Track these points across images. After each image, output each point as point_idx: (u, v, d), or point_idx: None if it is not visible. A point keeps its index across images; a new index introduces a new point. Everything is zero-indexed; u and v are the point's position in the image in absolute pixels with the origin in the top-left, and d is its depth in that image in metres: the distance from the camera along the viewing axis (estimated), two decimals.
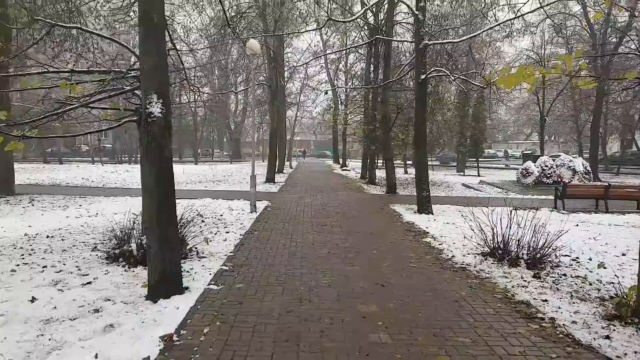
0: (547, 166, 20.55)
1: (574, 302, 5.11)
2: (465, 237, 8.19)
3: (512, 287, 5.61)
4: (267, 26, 18.92)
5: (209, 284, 5.47)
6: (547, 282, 5.84)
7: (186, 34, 19.14)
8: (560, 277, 6.15)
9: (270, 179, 20.64)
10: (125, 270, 6.14)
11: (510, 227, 6.83)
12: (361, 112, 24.07)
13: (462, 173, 32.90)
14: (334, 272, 6.12)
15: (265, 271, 6.09)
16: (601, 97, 29.19)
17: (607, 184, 13.58)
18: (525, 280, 5.87)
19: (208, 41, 19.77)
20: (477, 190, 20.12)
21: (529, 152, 25.76)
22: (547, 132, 77.78)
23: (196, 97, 11.21)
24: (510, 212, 6.88)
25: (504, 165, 46.30)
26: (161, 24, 4.99)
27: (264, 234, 8.71)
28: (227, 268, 6.19)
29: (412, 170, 33.92)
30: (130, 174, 24.14)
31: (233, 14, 17.64)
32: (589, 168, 20.83)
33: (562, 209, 12.89)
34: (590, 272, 6.45)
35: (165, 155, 5.03)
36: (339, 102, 28.65)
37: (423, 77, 11.71)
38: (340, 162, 38.47)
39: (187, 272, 5.99)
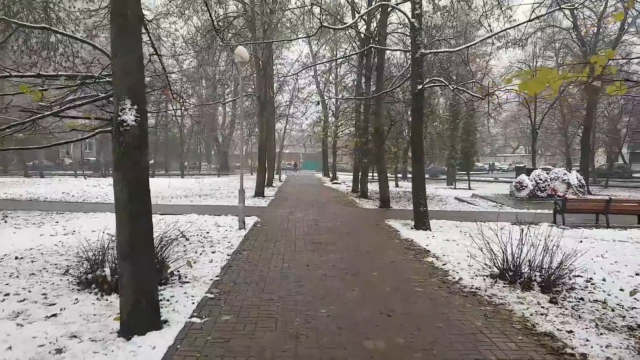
0: (541, 179, 20.23)
1: (601, 333, 4.58)
2: (470, 256, 7.66)
3: (531, 315, 5.05)
4: (255, 36, 18.46)
5: (191, 316, 4.82)
6: (567, 309, 5.30)
7: (172, 43, 18.60)
8: (579, 301, 5.62)
9: (259, 193, 20.00)
10: (97, 299, 5.47)
11: (522, 247, 6.28)
12: (352, 124, 23.62)
13: (452, 186, 32.58)
14: (333, 298, 5.50)
15: (256, 299, 5.45)
16: (592, 111, 29.23)
17: (607, 198, 13.20)
18: (542, 307, 5.32)
19: (194, 50, 19.25)
20: (471, 204, 19.70)
21: (522, 165, 25.43)
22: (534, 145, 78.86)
23: (181, 107, 10.58)
24: (522, 230, 6.34)
25: (492, 179, 46.28)
26: (136, 20, 4.40)
27: (254, 254, 8.07)
28: (212, 295, 5.53)
29: (403, 184, 33.59)
30: (111, 189, 23.27)
31: (221, 24, 17.15)
32: (583, 181, 20.57)
33: (562, 223, 12.45)
34: (609, 295, 5.95)
35: (141, 168, 4.43)
36: (330, 114, 28.21)
37: (420, 87, 11.27)
38: (331, 175, 37.94)
39: (167, 300, 5.34)
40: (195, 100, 38.96)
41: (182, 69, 22.76)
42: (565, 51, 30.11)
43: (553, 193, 20.25)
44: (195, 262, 7.33)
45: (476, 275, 6.70)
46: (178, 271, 6.50)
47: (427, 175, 39.50)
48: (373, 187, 24.50)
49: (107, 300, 5.35)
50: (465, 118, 31.25)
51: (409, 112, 18.91)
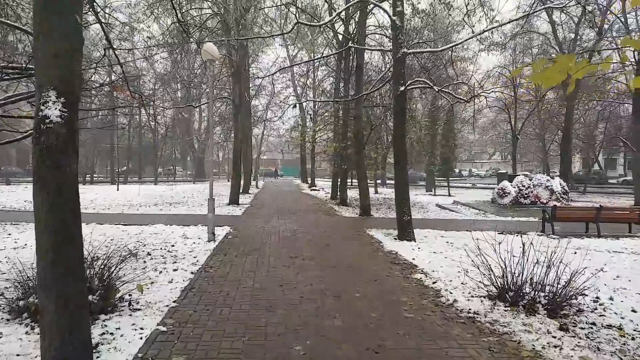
0: (524, 186, 19.84)
1: None
2: (462, 272, 6.94)
3: (543, 347, 4.30)
4: (229, 37, 17.58)
5: (135, 358, 3.90)
6: (581, 338, 4.57)
7: (145, 42, 17.56)
8: (591, 327, 4.91)
9: (234, 201, 19.01)
10: (27, 332, 4.53)
11: (524, 262, 5.57)
12: (331, 129, 22.86)
13: (431, 192, 32.16)
14: (310, 330, 4.64)
15: (218, 332, 4.55)
16: (571, 116, 29.28)
17: (598, 205, 12.73)
18: (554, 336, 4.57)
19: (166, 51, 18.23)
20: (452, 211, 19.13)
21: (504, 171, 25.14)
22: (510, 151, 79.80)
23: (142, 105, 9.63)
24: (524, 245, 5.62)
25: (470, 185, 46.24)
26: None
27: (222, 271, 7.15)
28: (165, 329, 4.60)
29: (383, 190, 32.97)
30: (82, 196, 21.87)
31: (192, 21, 16.22)
32: (566, 188, 20.26)
33: (551, 233, 11.89)
34: (622, 318, 5.28)
35: (67, 176, 3.50)
36: (308, 119, 27.39)
37: (402, 88, 10.58)
38: (309, 182, 37.14)
39: (111, 334, 4.43)
40: (169, 103, 37.76)
41: (155, 72, 21.70)
42: (543, 57, 30.07)
43: (536, 200, 19.88)
44: (152, 283, 6.39)
45: (472, 296, 5.95)
46: (130, 295, 5.55)
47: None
48: (352, 193, 23.78)
49: (39, 334, 4.39)
50: (444, 124, 30.95)
51: (390, 116, 18.28)
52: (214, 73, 17.24)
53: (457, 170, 61.02)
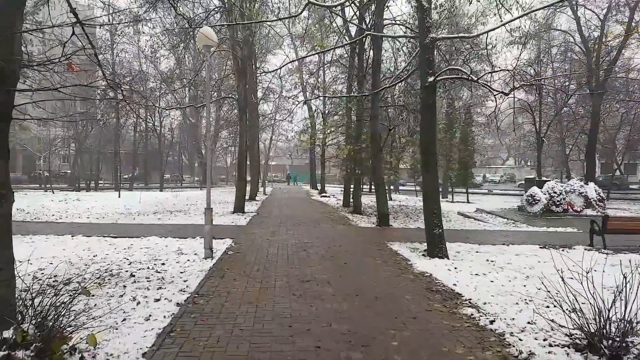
0: (555, 192, 18.13)
1: None
2: (521, 302, 5.37)
3: None
4: (234, 32, 16.22)
5: None
6: None
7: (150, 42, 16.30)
8: None
9: (239, 209, 17.53)
10: None
11: (627, 297, 4.00)
12: (342, 132, 21.33)
13: (448, 199, 30.50)
14: None
15: None
16: (597, 119, 27.47)
17: None
18: None
19: (167, 48, 16.92)
20: (478, 220, 17.49)
21: (532, 176, 23.37)
22: (524, 157, 77.53)
23: (126, 103, 8.22)
24: (625, 275, 4.05)
25: (486, 191, 44.43)
26: None
27: (214, 303, 5.64)
28: None
29: (396, 196, 31.36)
30: (77, 204, 20.58)
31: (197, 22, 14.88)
32: (602, 195, 18.51)
33: (603, 247, 10.23)
34: None
35: None
36: (318, 122, 25.85)
37: (431, 79, 9.05)
38: (319, 188, 35.63)
39: None
40: (174, 103, 36.53)
41: (157, 69, 20.41)
42: (568, 55, 28.42)
43: (569, 208, 18.19)
44: (124, 320, 4.91)
45: (550, 344, 4.36)
46: (87, 343, 4.05)
47: (416, 188, 37.83)
48: (367, 200, 22.22)
49: None
50: (461, 126, 29.32)
51: (408, 115, 16.75)
52: (213, 63, 15.89)
53: (481, 177, 58.78)
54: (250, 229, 12.95)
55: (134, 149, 46.18)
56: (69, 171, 46.93)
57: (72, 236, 11.07)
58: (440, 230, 8.96)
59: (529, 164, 79.62)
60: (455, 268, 7.94)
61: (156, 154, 46.26)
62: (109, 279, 7.00)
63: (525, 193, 19.29)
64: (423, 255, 9.18)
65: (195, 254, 9.06)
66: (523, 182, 55.93)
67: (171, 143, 46.16)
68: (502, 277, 7.43)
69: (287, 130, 41.28)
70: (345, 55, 19.97)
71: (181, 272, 7.39)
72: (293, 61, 15.88)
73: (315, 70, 22.41)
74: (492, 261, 8.77)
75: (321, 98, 24.57)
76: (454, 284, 6.72)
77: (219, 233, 11.67)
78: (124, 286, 6.54)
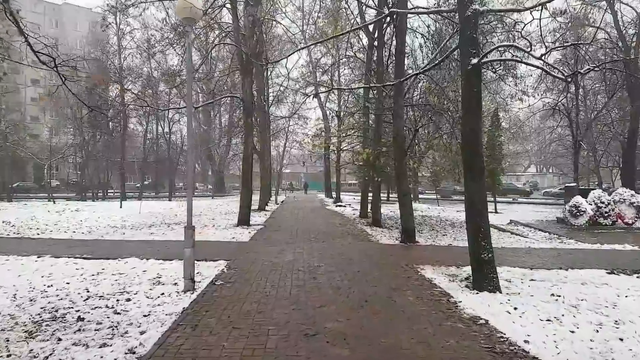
0: (603, 203, 15.82)
1: None
2: None
3: None
4: (236, 24, 14.47)
5: None
6: None
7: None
8: None
9: (243, 221, 15.57)
10: None
11: None
12: (359, 134, 19.29)
13: None
14: None
15: None
16: (637, 119, 24.93)
17: None
18: None
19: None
20: (516, 234, 15.26)
21: (572, 184, 20.95)
22: (544, 163, 74.31)
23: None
24: None
25: (511, 199, 41.86)
26: None
27: None
28: None
29: (418, 206, 29.01)
30: (72, 216, 18.88)
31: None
32: None
33: None
34: None
35: None
36: (330, 122, 23.82)
37: (475, 61, 7.04)
38: (334, 196, 33.61)
39: None
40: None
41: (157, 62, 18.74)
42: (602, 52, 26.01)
43: (619, 220, 15.86)
44: None
45: None
46: None
47: (437, 196, 35.44)
48: (383, 210, 20.13)
49: None
50: (489, 130, 27.04)
51: (434, 117, 14.66)
52: (216, 57, 14.10)
53: (521, 183, 55.81)
54: (252, 247, 11.01)
55: (143, 156, 44.78)
56: (77, 180, 45.73)
57: (38, 257, 9.27)
58: (490, 255, 6.88)
59: (550, 170, 76.51)
60: (516, 309, 5.85)
61: (167, 162, 44.78)
62: (47, 326, 5.14)
63: (567, 203, 16.96)
64: (467, 286, 7.11)
65: (175, 283, 7.15)
66: (549, 190, 53.35)
67: (181, 150, 44.61)
68: (584, 323, 5.36)
69: (300, 135, 39.41)
70: (362, 50, 18.04)
71: (145, 316, 5.47)
72: (303, 48, 13.98)
73: (328, 67, 20.28)
74: (557, 295, 6.66)
75: (335, 98, 22.61)
76: (525, 341, 4.64)
77: (213, 252, 9.79)
78: (59, 339, 4.69)
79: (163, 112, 38.56)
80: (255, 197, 29.31)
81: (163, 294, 6.57)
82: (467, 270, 8.14)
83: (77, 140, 37.05)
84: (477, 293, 6.69)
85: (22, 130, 36.46)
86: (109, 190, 44.64)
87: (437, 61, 8.47)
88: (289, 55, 10.77)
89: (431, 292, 6.70)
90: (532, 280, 7.86)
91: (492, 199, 28.05)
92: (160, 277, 7.64)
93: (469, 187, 7.14)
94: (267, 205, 26.15)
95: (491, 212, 25.47)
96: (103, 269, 8.25)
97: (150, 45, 15.19)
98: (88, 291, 6.71)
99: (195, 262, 8.85)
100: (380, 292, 6.66)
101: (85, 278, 7.61)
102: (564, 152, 36.50)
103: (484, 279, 6.83)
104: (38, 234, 13.45)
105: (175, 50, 16.56)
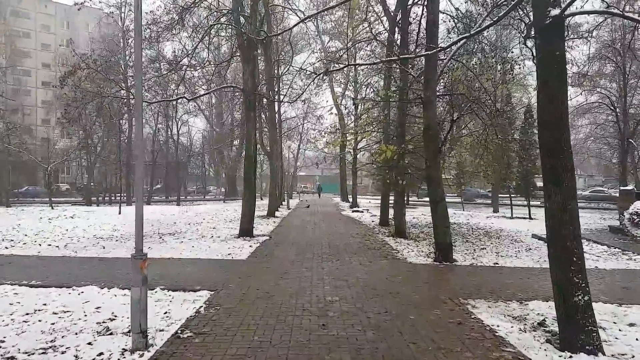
0: None
1: None
2: None
3: None
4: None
5: None
6: None
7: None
8: None
9: (245, 232, 13.43)
10: None
11: None
12: (379, 129, 17.00)
13: (506, 215, 25.60)
14: None
15: None
16: None
17: None
18: None
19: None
20: None
21: (629, 188, 18.34)
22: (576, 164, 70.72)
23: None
24: None
25: (539, 203, 38.94)
26: None
27: None
28: None
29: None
30: (59, 224, 16.95)
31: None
32: None
33: None
34: None
35: None
36: (349, 121, 21.61)
37: (556, 12, 4.79)
38: (350, 201, 31.36)
39: None
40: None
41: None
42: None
43: None
44: None
45: None
46: None
47: (462, 200, 32.83)
48: (409, 217, 17.80)
49: None
50: (521, 127, 24.54)
51: (471, 109, 12.26)
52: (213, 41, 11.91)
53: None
54: (248, 269, 8.82)
55: (152, 159, 43.12)
56: (84, 183, 44.31)
57: None
58: (587, 299, 4.57)
59: (577, 172, 72.96)
60: None
61: (176, 165, 43.07)
62: None
63: (624, 209, 14.43)
64: (548, 341, 4.82)
65: (129, 332, 5.00)
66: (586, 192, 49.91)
67: (190, 152, 42.89)
68: None
69: (313, 133, 37.27)
70: (379, 37, 15.81)
71: None
72: (310, 16, 11.75)
73: (342, 53, 17.87)
74: None
75: (351, 93, 20.37)
76: None
77: (197, 277, 7.73)
78: None
79: (173, 111, 37.20)
80: (265, 202, 27.32)
81: (101, 354, 4.45)
82: (536, 308, 5.95)
83: (82, 142, 35.42)
84: (571, 357, 4.40)
85: (25, 132, 35.05)
86: (117, 195, 43.15)
87: (496, 18, 6.17)
88: (295, 26, 8.64)
89: (501, 357, 4.42)
90: (631, 325, 5.55)
91: (526, 202, 25.56)
92: (114, 319, 5.56)
93: (552, 194, 4.82)
94: (277, 210, 24.02)
95: (525, 218, 23.15)
96: (45, 305, 6.20)
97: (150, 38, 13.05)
98: (3, 342, 4.67)
99: (169, 293, 6.82)
100: (423, 358, 4.41)
101: (13, 319, 5.57)
102: (601, 150, 33.48)
103: (578, 332, 4.53)
104: (6, 247, 11.54)
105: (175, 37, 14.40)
